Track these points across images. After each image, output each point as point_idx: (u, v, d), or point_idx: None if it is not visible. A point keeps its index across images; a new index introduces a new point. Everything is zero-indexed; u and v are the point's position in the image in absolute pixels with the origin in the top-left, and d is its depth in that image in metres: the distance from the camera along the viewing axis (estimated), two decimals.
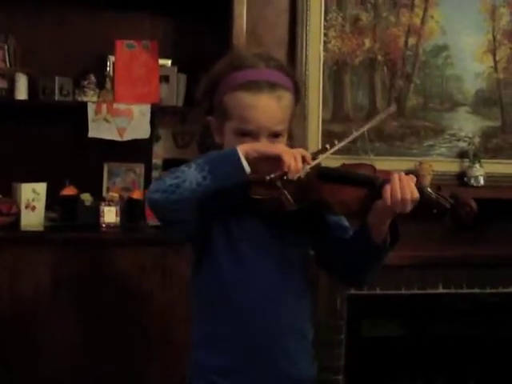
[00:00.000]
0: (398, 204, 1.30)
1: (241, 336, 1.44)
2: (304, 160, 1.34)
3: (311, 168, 1.38)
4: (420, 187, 1.32)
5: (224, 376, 1.45)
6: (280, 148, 1.34)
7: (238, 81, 1.41)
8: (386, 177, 1.34)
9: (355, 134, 1.49)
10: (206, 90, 1.48)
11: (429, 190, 1.32)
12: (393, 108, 1.52)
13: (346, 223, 1.54)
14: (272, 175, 1.32)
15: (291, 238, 1.48)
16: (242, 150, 1.31)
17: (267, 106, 1.39)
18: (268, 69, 1.43)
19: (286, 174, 1.32)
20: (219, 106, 1.44)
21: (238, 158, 1.30)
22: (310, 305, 1.56)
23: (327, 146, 1.46)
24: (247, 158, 1.31)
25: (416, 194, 1.31)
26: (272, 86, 1.40)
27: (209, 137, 1.50)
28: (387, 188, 1.30)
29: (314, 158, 1.40)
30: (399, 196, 1.29)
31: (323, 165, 1.43)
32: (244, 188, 1.36)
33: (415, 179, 1.33)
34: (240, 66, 1.43)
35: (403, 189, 1.30)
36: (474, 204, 1.31)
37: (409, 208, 1.31)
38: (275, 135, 1.42)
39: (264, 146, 1.35)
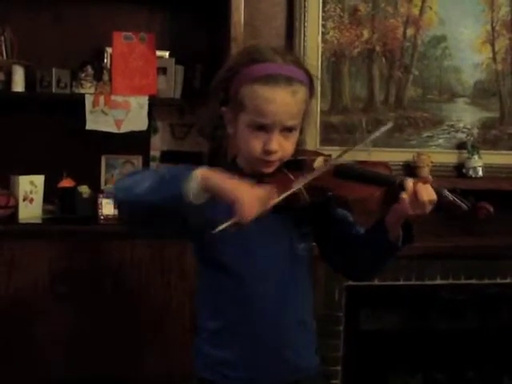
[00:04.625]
0: (417, 208, 1.32)
1: (249, 329, 1.46)
2: (264, 201, 1.27)
3: (306, 184, 1.37)
4: (437, 189, 1.33)
5: (233, 368, 1.48)
6: (237, 191, 1.25)
7: (255, 74, 1.41)
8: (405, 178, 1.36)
9: (345, 151, 1.42)
10: (221, 81, 1.48)
11: (446, 191, 1.34)
12: (389, 124, 1.52)
13: (351, 218, 1.56)
14: (222, 226, 1.25)
15: (299, 232, 1.49)
16: (201, 174, 1.27)
17: (283, 100, 1.40)
18: (285, 63, 1.43)
19: (239, 220, 1.25)
20: (235, 98, 1.44)
21: (181, 186, 1.25)
22: (312, 297, 1.58)
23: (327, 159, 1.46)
24: (205, 185, 1.26)
25: (434, 197, 1.32)
26: (288, 81, 1.41)
27: (221, 128, 1.50)
28: (405, 194, 1.32)
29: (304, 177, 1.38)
30: (418, 201, 1.31)
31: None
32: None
33: (431, 180, 1.35)
34: (258, 59, 1.43)
35: (420, 193, 1.31)
36: (489, 206, 1.32)
37: (428, 210, 1.33)
38: (288, 130, 1.43)
39: (225, 183, 1.27)
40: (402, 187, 1.34)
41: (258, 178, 1.45)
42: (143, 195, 1.30)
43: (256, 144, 1.42)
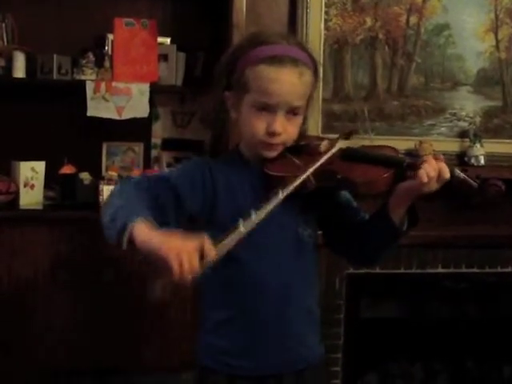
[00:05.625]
0: (429, 183, 1.32)
1: (254, 318, 1.46)
2: (203, 255, 1.18)
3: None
4: (449, 168, 1.34)
5: (236, 357, 1.47)
6: (167, 247, 1.17)
7: (261, 55, 1.41)
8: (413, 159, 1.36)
9: (302, 176, 1.38)
10: (226, 65, 1.47)
11: (457, 170, 1.34)
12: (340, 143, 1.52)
13: (355, 204, 1.56)
14: (155, 292, 1.18)
15: (304, 219, 1.49)
16: (138, 231, 1.23)
17: (289, 81, 1.39)
18: (290, 45, 1.43)
19: (172, 280, 1.15)
20: (239, 80, 1.43)
21: (122, 237, 1.24)
22: (317, 285, 1.58)
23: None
24: (135, 241, 1.24)
25: (447, 174, 1.32)
26: (294, 62, 1.41)
27: (223, 113, 1.49)
28: (423, 167, 1.31)
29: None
30: (433, 175, 1.31)
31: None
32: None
33: (442, 158, 1.35)
34: (263, 41, 1.43)
35: (436, 168, 1.32)
36: (500, 183, 1.34)
37: (436, 187, 1.33)
38: (293, 113, 1.42)
39: (155, 240, 1.20)
40: (410, 168, 1.34)
41: (262, 163, 1.44)
42: (103, 226, 1.32)
43: (259, 125, 1.41)
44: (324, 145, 1.45)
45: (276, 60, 1.39)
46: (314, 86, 1.47)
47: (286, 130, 1.41)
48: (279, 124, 1.40)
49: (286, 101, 1.39)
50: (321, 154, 1.40)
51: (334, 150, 1.39)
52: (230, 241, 1.22)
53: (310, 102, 1.49)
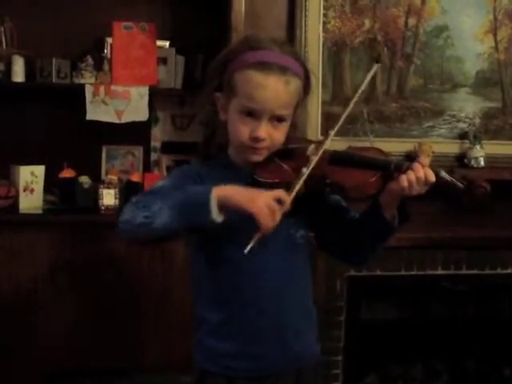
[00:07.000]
0: (410, 187, 1.33)
1: (250, 319, 1.47)
2: (281, 202, 1.31)
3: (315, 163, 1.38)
4: (435, 170, 1.35)
5: (235, 359, 1.48)
6: (255, 204, 1.29)
7: (250, 60, 1.42)
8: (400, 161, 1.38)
9: (347, 110, 1.49)
10: (217, 67, 1.48)
11: (443, 172, 1.35)
12: (375, 67, 1.53)
13: (344, 204, 1.56)
14: (250, 246, 1.30)
15: (296, 220, 1.49)
16: (216, 195, 1.30)
17: (275, 88, 1.40)
18: (281, 53, 1.44)
19: (263, 233, 1.30)
20: (228, 83, 1.44)
21: (209, 210, 1.29)
22: (311, 285, 1.59)
23: (327, 134, 1.46)
24: (222, 205, 1.30)
25: (433, 178, 1.34)
26: (282, 70, 1.41)
27: (215, 115, 1.50)
28: (408, 173, 1.33)
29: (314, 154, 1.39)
30: (413, 180, 1.33)
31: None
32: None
33: (427, 163, 1.36)
34: (255, 46, 1.44)
35: (420, 174, 1.33)
36: (487, 185, 1.36)
37: (423, 190, 1.34)
38: (278, 120, 1.43)
39: (240, 198, 1.31)
40: (397, 170, 1.35)
41: (251, 168, 1.44)
42: (163, 228, 1.33)
43: (244, 130, 1.42)
44: (312, 148, 1.45)
45: (264, 66, 1.40)
46: (302, 95, 1.48)
47: (271, 136, 1.43)
48: (263, 130, 1.41)
49: (270, 108, 1.40)
50: (309, 158, 1.40)
51: (320, 153, 1.40)
52: (297, 187, 1.35)
53: (299, 110, 1.50)
